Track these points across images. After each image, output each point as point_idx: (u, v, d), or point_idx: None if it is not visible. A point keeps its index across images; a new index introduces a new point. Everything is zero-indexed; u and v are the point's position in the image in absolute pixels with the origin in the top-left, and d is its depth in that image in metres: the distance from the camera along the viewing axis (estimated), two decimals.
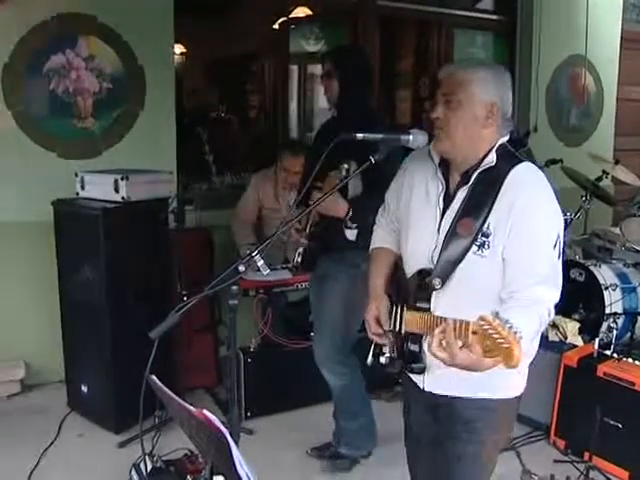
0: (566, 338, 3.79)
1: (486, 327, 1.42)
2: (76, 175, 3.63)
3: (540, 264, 1.74)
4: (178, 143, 4.46)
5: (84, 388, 3.68)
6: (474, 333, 1.47)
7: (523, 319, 1.62)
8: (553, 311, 1.76)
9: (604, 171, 4.83)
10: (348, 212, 2.81)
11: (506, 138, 1.88)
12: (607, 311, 4.13)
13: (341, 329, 3.07)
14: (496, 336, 1.40)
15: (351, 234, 2.89)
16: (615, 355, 3.43)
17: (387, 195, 2.17)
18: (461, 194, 1.86)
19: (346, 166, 2.62)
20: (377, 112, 3.41)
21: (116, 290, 3.46)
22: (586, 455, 3.21)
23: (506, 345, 1.39)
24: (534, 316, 1.70)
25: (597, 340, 3.57)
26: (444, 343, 1.54)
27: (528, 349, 1.67)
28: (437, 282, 1.83)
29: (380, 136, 1.90)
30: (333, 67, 3.03)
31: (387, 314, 2.02)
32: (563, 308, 3.75)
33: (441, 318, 1.67)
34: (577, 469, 3.23)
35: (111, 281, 3.44)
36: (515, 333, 1.41)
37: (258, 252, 1.72)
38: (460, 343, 1.51)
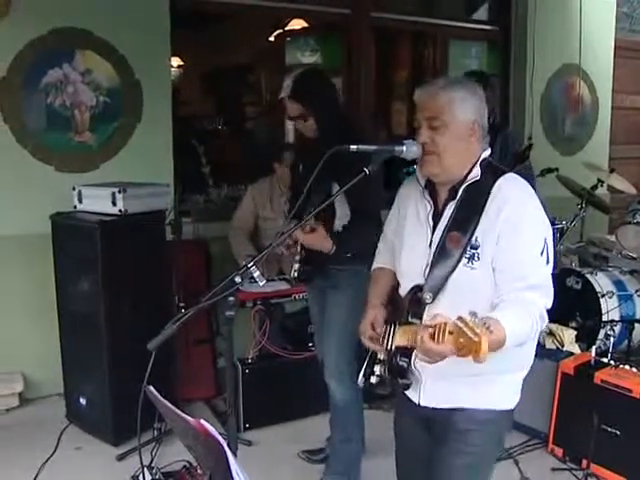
0: (563, 346, 3.80)
1: (461, 325, 1.47)
2: (73, 189, 3.64)
3: (528, 271, 1.76)
4: (175, 155, 4.48)
5: (82, 401, 3.68)
6: (450, 333, 1.51)
7: (509, 311, 1.67)
8: (546, 316, 1.77)
9: (599, 179, 4.86)
10: (332, 248, 2.74)
11: (488, 152, 1.93)
12: (604, 319, 4.15)
13: (349, 338, 2.95)
14: (469, 332, 1.44)
15: None
16: (612, 362, 3.43)
17: (385, 226, 2.21)
18: (449, 210, 1.90)
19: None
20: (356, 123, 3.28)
21: (114, 302, 3.46)
22: (584, 463, 3.21)
23: (476, 339, 1.43)
24: (523, 312, 1.70)
25: (594, 348, 3.58)
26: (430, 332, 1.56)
27: (518, 337, 1.68)
28: (428, 296, 1.85)
29: (373, 147, 1.91)
30: (303, 109, 2.87)
31: (382, 321, 2.03)
32: (560, 316, 3.77)
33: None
34: (575, 477, 3.24)
35: (109, 293, 3.44)
36: (488, 328, 1.46)
37: (254, 263, 1.73)
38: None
